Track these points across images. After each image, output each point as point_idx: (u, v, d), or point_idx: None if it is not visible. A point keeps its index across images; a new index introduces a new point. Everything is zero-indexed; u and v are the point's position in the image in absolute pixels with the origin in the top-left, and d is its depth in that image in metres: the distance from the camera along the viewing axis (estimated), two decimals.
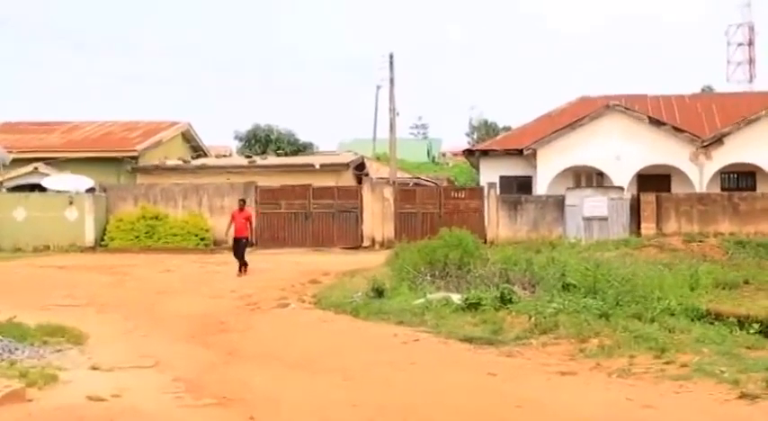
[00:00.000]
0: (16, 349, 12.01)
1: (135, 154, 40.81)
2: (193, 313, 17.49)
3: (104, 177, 38.87)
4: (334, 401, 9.55)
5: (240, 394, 9.82)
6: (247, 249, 26.82)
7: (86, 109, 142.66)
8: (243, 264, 25.87)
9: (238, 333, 15.09)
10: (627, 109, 39.70)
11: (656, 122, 39.43)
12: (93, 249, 35.64)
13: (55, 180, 38.05)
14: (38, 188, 37.99)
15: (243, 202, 28.33)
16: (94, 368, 11.25)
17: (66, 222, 36.11)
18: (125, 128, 45.38)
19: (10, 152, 38.97)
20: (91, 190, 37.37)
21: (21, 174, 39.12)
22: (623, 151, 38.37)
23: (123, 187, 38.84)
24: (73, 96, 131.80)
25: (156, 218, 36.52)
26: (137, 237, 36.05)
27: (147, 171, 40.53)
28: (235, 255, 26.40)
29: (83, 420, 8.31)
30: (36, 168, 39.13)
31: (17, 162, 39.06)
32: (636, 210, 35.54)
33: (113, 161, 40.33)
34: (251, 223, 27.52)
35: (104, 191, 37.86)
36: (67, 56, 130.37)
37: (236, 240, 26.52)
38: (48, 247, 35.48)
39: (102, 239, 36.39)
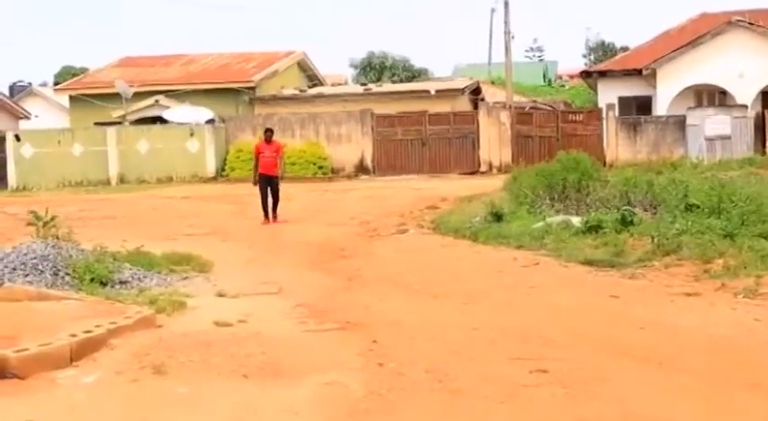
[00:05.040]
0: (145, 277, 12.36)
1: (252, 84, 41.15)
2: (314, 240, 17.71)
3: (223, 108, 39.36)
4: (455, 325, 9.59)
5: (362, 319, 9.92)
6: (363, 177, 25.29)
7: (201, 42, 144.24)
8: (274, 209, 21.83)
9: (358, 259, 15.24)
10: (750, 24, 38.31)
11: None
12: (214, 179, 36.28)
13: (175, 112, 38.71)
14: (159, 120, 38.74)
15: (270, 133, 23.03)
16: (220, 295, 11.50)
17: (187, 153, 36.81)
18: (241, 59, 45.75)
19: (131, 86, 39.78)
20: (210, 121, 37.94)
21: (142, 108, 39.89)
22: (747, 68, 37.09)
23: (242, 118, 39.31)
24: (186, 30, 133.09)
25: None
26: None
27: (264, 101, 40.88)
28: (263, 198, 21.79)
29: (211, 345, 8.49)
30: (157, 101, 39.85)
31: (138, 96, 39.87)
32: (761, 128, 34.58)
33: (231, 92, 40.73)
34: (282, 158, 22.76)
35: (223, 122, 38.40)
36: None
37: (264, 179, 21.79)
38: (170, 178, 36.32)
39: (223, 170, 36.99)
